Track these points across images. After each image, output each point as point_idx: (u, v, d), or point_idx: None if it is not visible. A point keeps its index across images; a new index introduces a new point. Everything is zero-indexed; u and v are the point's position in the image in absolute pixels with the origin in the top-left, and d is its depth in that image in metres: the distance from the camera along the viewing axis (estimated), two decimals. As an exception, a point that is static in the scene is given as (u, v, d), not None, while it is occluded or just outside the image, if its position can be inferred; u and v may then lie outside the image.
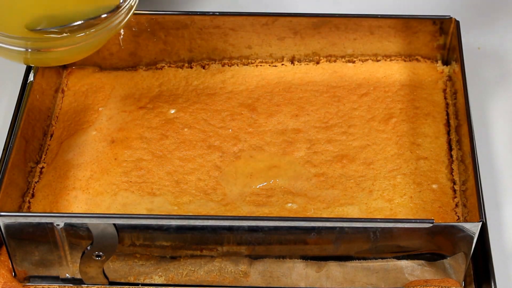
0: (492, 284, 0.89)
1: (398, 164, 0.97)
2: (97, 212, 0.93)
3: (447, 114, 1.02)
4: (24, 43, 0.89)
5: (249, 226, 0.87)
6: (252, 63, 1.07)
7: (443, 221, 0.92)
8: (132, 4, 0.93)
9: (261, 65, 1.07)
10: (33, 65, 0.98)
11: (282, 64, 1.07)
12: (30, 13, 0.90)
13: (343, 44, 1.06)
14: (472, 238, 0.87)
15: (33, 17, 0.90)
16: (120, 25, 0.92)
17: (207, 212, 0.93)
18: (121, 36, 1.05)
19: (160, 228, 0.87)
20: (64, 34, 0.89)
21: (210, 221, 0.87)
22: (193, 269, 0.91)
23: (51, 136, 1.01)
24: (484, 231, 0.92)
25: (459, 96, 1.00)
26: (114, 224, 0.87)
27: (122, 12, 0.92)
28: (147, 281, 0.93)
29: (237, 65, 1.07)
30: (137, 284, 0.93)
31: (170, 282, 0.93)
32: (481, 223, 0.86)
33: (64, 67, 1.07)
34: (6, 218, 0.87)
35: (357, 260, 0.91)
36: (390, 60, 1.07)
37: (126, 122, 1.01)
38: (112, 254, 0.90)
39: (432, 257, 0.90)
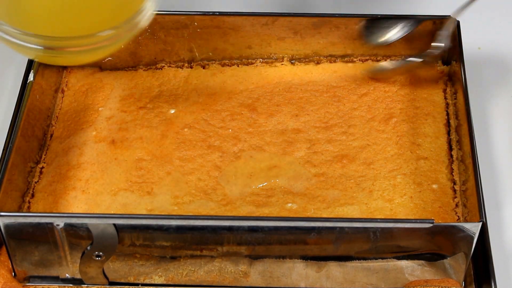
0: (492, 284, 0.89)
1: (398, 164, 0.97)
2: (97, 212, 0.93)
3: (447, 114, 1.02)
4: (39, 41, 0.87)
5: (249, 226, 0.87)
6: (252, 63, 1.07)
7: (443, 221, 0.92)
8: (151, 11, 0.90)
9: (261, 65, 1.07)
10: (43, 62, 0.97)
11: (282, 64, 1.07)
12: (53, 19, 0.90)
13: (343, 44, 1.06)
14: (472, 238, 0.87)
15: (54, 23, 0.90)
16: (137, 29, 0.89)
17: (207, 212, 0.93)
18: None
19: (160, 228, 0.87)
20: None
21: (210, 221, 0.87)
22: (193, 269, 0.91)
23: (51, 136, 1.01)
24: (484, 231, 0.91)
25: (459, 96, 1.00)
26: (114, 224, 0.87)
27: (141, 17, 0.89)
28: (147, 281, 0.93)
29: (237, 65, 1.07)
30: (137, 284, 0.93)
31: (170, 282, 0.93)
32: (481, 223, 0.86)
33: (65, 67, 1.07)
34: (6, 218, 0.87)
35: (357, 260, 0.91)
36: (390, 60, 1.07)
37: (126, 122, 1.01)
38: (112, 254, 0.90)
39: (432, 257, 0.90)
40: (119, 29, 0.86)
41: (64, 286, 0.93)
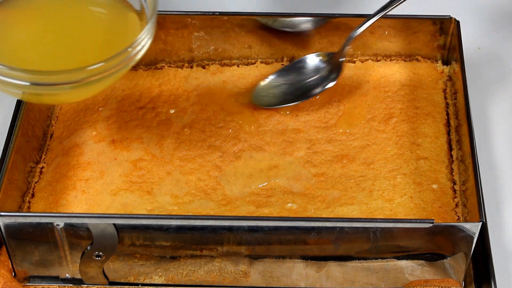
0: (492, 284, 0.89)
1: (398, 164, 0.97)
2: (97, 212, 0.93)
3: (447, 114, 1.02)
4: (26, 76, 0.81)
5: (249, 226, 0.87)
6: (252, 63, 1.07)
7: (443, 221, 0.92)
8: (145, 43, 0.87)
9: (261, 65, 1.07)
10: (30, 102, 0.93)
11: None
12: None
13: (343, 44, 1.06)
14: (472, 238, 0.87)
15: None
16: (131, 62, 0.87)
17: (207, 212, 0.93)
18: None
19: (160, 228, 0.87)
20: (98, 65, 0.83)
21: (210, 221, 0.87)
22: (193, 269, 0.91)
23: (51, 136, 1.01)
24: (484, 231, 0.92)
25: (459, 96, 1.00)
26: (114, 224, 0.87)
27: (134, 50, 0.86)
28: (147, 281, 0.93)
29: (237, 65, 1.07)
30: (137, 284, 0.93)
31: (170, 282, 0.93)
32: (481, 223, 0.86)
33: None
34: (6, 218, 0.87)
35: (357, 260, 0.91)
36: (390, 60, 1.07)
37: (126, 122, 1.01)
38: (112, 254, 0.90)
39: (432, 257, 0.90)
40: (110, 61, 0.83)
41: (64, 286, 0.93)
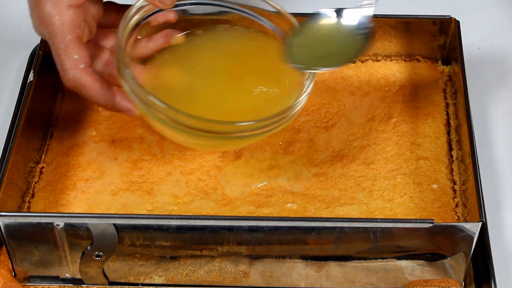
0: (492, 284, 0.89)
1: (398, 164, 0.97)
2: (97, 212, 0.93)
3: (447, 114, 1.02)
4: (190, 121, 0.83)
5: (249, 226, 0.87)
6: (252, 63, 1.07)
7: (443, 221, 0.92)
8: (300, 107, 0.87)
9: (261, 65, 1.07)
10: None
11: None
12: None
13: (343, 44, 1.06)
14: (472, 238, 0.87)
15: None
16: (281, 125, 0.86)
17: (207, 212, 0.93)
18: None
19: (160, 228, 0.87)
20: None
21: (210, 221, 0.87)
22: (193, 269, 0.91)
23: (51, 136, 1.01)
24: (484, 231, 0.92)
25: (459, 96, 1.00)
26: (114, 224, 0.87)
27: (289, 113, 0.86)
28: (147, 281, 0.93)
29: (237, 65, 1.07)
30: (137, 284, 0.93)
31: (170, 282, 0.93)
32: (481, 223, 0.86)
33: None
34: (6, 218, 0.87)
35: (357, 260, 0.91)
36: (390, 60, 1.07)
37: (126, 122, 1.01)
38: (112, 254, 0.90)
39: (432, 257, 0.90)
40: (260, 122, 0.84)
41: (64, 286, 0.93)
